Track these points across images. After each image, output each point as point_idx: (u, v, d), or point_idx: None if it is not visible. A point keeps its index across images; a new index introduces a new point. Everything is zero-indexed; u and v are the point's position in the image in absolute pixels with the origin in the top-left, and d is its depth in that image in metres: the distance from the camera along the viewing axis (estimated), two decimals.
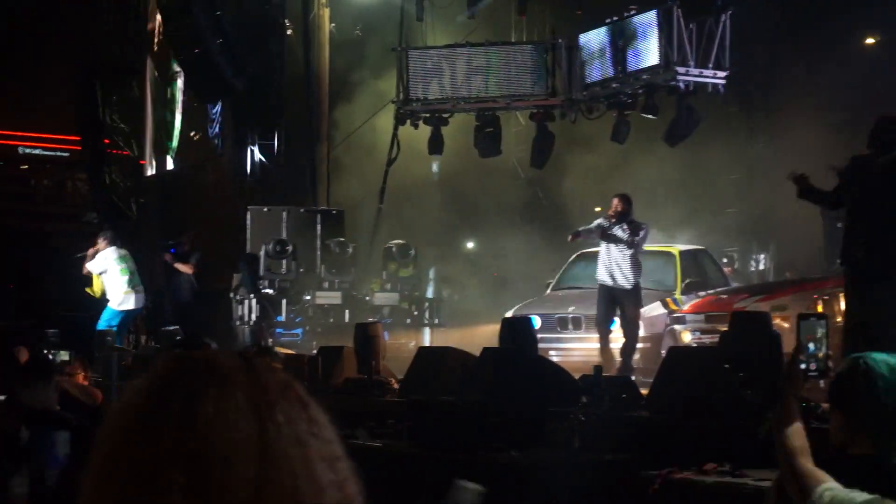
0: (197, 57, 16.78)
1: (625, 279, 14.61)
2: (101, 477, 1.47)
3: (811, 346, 4.25)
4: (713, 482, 7.16)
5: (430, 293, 21.59)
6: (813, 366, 4.22)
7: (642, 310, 15.04)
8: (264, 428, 1.47)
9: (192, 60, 16.89)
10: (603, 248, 14.82)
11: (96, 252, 18.67)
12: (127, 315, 18.59)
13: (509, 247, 22.45)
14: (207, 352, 1.56)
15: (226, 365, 1.52)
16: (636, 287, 14.68)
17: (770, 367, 7.99)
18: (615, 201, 14.87)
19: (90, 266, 18.69)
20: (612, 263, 14.73)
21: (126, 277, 18.46)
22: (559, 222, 21.40)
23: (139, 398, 1.51)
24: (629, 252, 14.62)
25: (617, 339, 14.66)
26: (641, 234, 14.70)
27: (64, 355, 13.46)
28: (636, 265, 14.68)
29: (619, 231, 14.71)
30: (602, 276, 14.75)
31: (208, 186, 22.59)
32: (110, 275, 18.54)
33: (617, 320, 14.96)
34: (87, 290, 19.14)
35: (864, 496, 3.71)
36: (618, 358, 14.26)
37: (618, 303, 14.63)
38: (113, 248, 18.60)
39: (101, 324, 18.19)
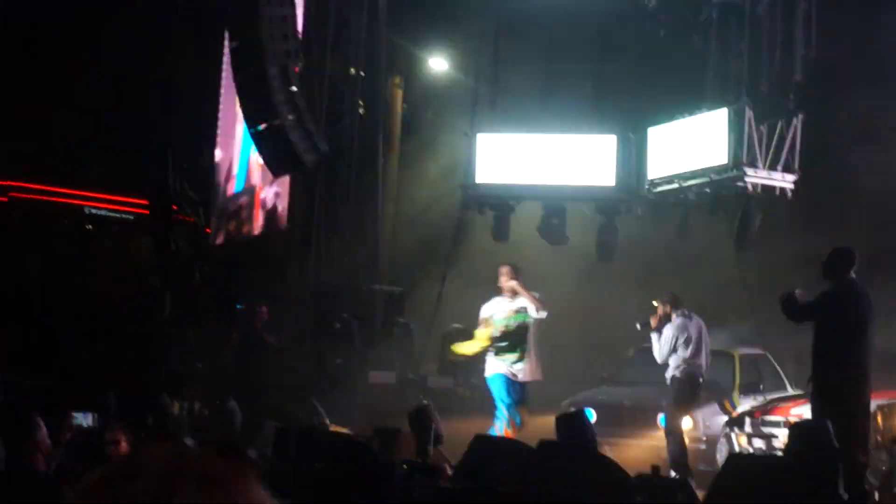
0: (270, 131, 17.01)
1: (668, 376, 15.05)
2: None
3: None
4: None
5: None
6: None
7: (699, 412, 15.19)
8: None
9: (265, 134, 17.12)
10: None
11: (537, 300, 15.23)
12: (504, 384, 15.30)
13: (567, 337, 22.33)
14: (144, 450, 1.66)
15: (149, 462, 1.63)
16: (672, 381, 14.87)
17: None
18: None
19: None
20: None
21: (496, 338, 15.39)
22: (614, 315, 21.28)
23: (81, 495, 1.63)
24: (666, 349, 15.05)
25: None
26: (664, 331, 15.03)
27: None
28: (673, 360, 14.90)
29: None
30: None
31: (274, 257, 22.79)
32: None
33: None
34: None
35: None
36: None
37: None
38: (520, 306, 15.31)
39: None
